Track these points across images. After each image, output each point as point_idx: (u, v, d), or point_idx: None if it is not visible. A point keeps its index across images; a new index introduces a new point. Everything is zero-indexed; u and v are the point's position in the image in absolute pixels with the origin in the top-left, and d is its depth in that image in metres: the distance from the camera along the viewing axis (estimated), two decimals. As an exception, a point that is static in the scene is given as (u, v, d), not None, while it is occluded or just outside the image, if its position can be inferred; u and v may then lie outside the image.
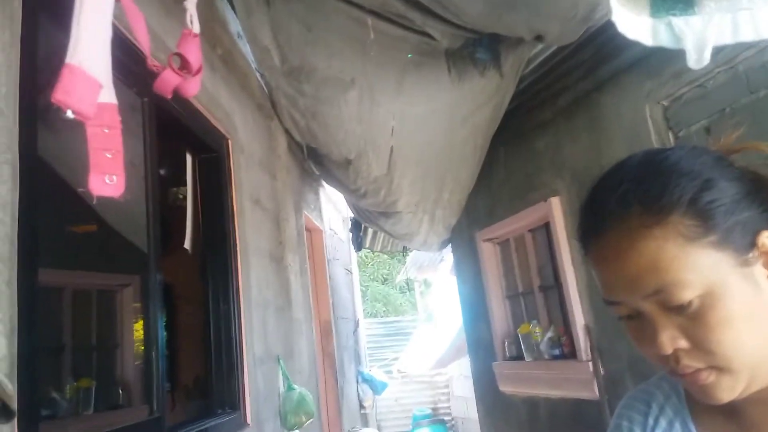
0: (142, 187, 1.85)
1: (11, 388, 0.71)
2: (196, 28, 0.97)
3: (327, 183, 4.89)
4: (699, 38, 0.59)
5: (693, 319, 0.55)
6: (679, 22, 0.60)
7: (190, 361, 2.85)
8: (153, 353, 1.75)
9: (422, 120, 3.48)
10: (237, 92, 2.89)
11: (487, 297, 4.29)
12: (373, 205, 4.42)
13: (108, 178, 0.74)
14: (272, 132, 3.49)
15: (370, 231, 6.14)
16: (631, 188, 0.58)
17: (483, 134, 3.76)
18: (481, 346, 4.51)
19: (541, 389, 3.66)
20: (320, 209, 5.23)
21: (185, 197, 2.86)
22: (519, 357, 3.90)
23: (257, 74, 3.15)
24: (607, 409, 3.03)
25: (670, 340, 0.56)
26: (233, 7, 2.78)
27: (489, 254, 4.34)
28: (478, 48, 2.87)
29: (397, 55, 3.05)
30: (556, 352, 3.50)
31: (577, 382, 3.23)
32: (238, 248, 2.55)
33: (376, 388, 6.59)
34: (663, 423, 0.69)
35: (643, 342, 0.59)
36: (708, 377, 0.56)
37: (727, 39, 0.62)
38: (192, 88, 0.97)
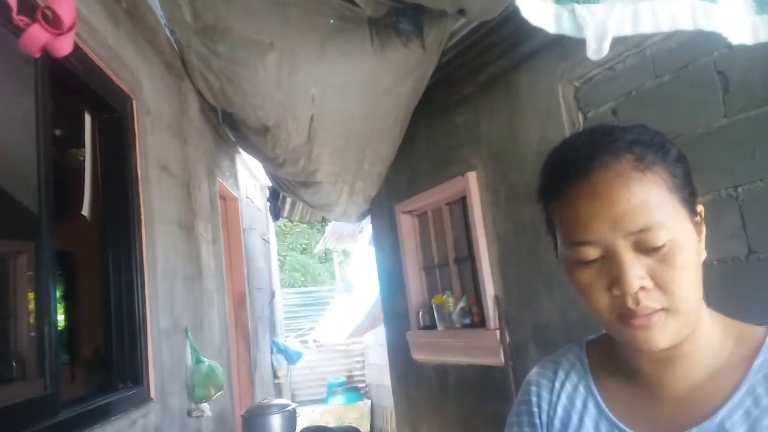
0: (33, 147, 1.69)
1: None
2: None
3: (243, 150, 4.72)
4: (600, 28, 0.59)
5: (661, 261, 0.60)
6: (581, 10, 0.60)
7: (91, 333, 2.68)
8: (46, 324, 1.63)
9: (344, 89, 3.41)
10: (144, 49, 2.69)
11: (404, 268, 4.35)
12: (292, 175, 4.32)
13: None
14: (183, 93, 3.29)
15: (288, 200, 6.02)
16: (625, 139, 0.65)
17: (405, 107, 3.74)
18: (396, 316, 4.58)
19: (451, 357, 3.79)
20: (236, 176, 5.05)
21: (75, 155, 2.66)
22: (432, 326, 4.00)
23: (167, 30, 2.93)
24: (512, 374, 3.19)
25: (638, 278, 0.60)
26: (140, -46, 2.56)
27: (407, 226, 4.39)
28: (401, 18, 2.83)
29: (319, 20, 2.95)
30: (467, 321, 3.62)
31: (485, 350, 3.37)
32: (142, 216, 2.40)
33: (291, 357, 6.58)
34: (568, 387, 0.76)
35: (598, 286, 0.63)
36: (659, 319, 0.61)
37: (627, 30, 0.64)
38: (64, 46, 0.87)
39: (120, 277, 2.29)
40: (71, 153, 2.90)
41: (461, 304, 3.70)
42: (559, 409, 0.76)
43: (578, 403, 0.75)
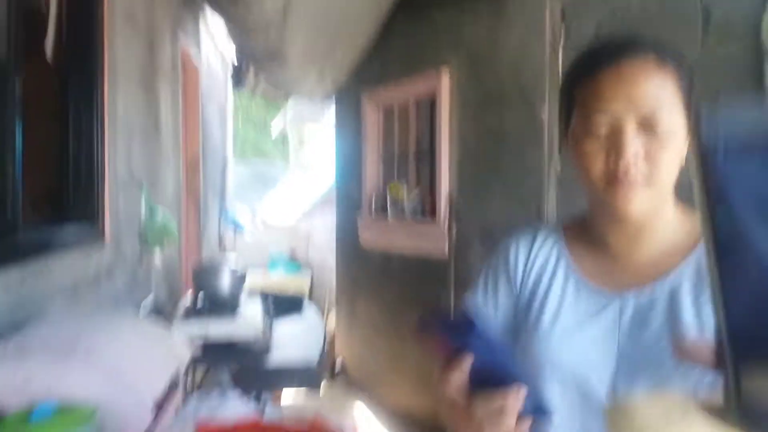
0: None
1: None
2: None
3: (212, 8, 4.46)
4: None
5: (655, 141, 0.73)
6: None
7: (42, 174, 2.67)
8: (9, 153, 1.63)
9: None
10: None
11: (363, 156, 4.41)
12: (262, 46, 4.16)
13: None
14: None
15: (252, 71, 5.82)
16: (651, 41, 0.78)
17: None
18: (349, 201, 4.71)
19: (398, 246, 3.99)
20: (198, 41, 4.82)
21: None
22: (384, 214, 4.15)
23: None
24: (453, 267, 3.42)
25: (637, 148, 0.73)
26: None
27: (372, 116, 4.39)
28: None
29: None
30: (419, 212, 3.78)
31: (432, 241, 3.57)
32: (105, 65, 2.32)
33: (238, 226, 6.71)
34: (544, 251, 0.88)
35: (599, 155, 0.76)
36: (640, 187, 0.73)
37: None
38: None
39: (80, 122, 2.26)
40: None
41: (414, 195, 3.84)
42: (533, 272, 0.88)
43: (550, 267, 0.87)
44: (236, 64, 5.91)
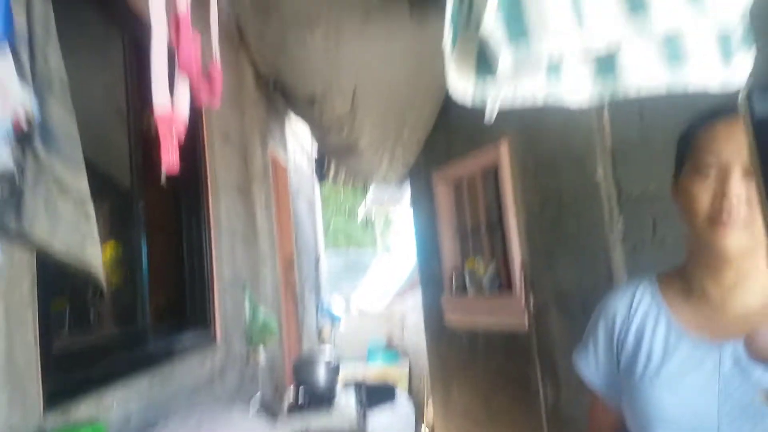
0: (124, 130, 1.99)
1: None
2: (217, 54, 1.18)
3: (295, 114, 5.00)
4: (492, 102, 0.80)
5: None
6: (486, 86, 0.81)
7: (163, 285, 3.06)
8: (138, 273, 1.96)
9: (385, 60, 3.63)
10: (206, 26, 2.97)
11: (439, 233, 4.60)
12: (337, 142, 4.60)
13: (173, 161, 0.98)
14: (240, 65, 3.58)
15: (333, 164, 6.32)
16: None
17: (443, 76, 3.92)
18: (432, 280, 4.84)
19: (480, 321, 4.04)
20: (285, 143, 5.36)
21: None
22: (463, 289, 4.25)
23: (225, 8, 3.21)
24: (535, 338, 3.41)
25: (741, 191, 0.79)
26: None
27: (443, 192, 4.61)
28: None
29: (361, -4, 3.16)
30: (496, 285, 3.85)
31: (511, 312, 3.59)
32: (209, 181, 2.72)
33: (335, 318, 6.97)
34: (643, 307, 0.94)
35: (705, 195, 0.82)
36: (738, 228, 0.79)
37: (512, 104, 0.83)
38: (217, 96, 1.19)
39: (191, 234, 2.63)
40: (146, 119, 3.25)
41: (490, 269, 3.94)
42: (633, 326, 0.93)
43: (651, 320, 0.92)
44: (318, 159, 6.46)
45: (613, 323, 0.96)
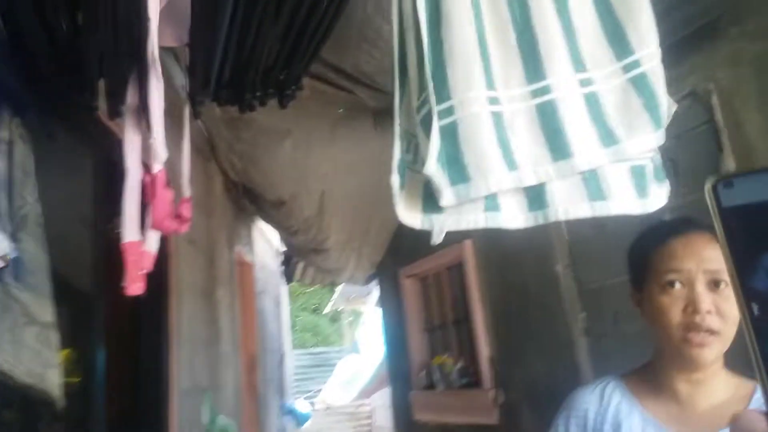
0: (89, 237, 2.02)
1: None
2: (187, 193, 1.26)
3: (261, 219, 5.09)
4: (439, 227, 0.90)
5: (724, 296, 0.86)
6: (434, 218, 0.91)
7: (119, 392, 2.95)
8: (94, 382, 1.91)
9: (352, 166, 3.79)
10: (173, 136, 3.08)
11: (407, 330, 4.59)
12: (304, 243, 4.66)
13: (136, 285, 1.01)
14: (209, 173, 3.68)
15: (300, 264, 6.33)
16: (704, 222, 0.92)
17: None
18: (400, 377, 4.78)
19: (450, 416, 3.97)
20: (252, 243, 5.39)
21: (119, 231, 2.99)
22: (432, 386, 4.20)
23: (198, 122, 3.35)
24: (505, 434, 3.36)
25: (709, 304, 0.86)
26: (178, 60, 3.00)
27: (410, 289, 4.66)
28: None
29: (330, 109, 3.35)
30: (464, 381, 3.83)
31: (481, 409, 3.56)
32: (172, 287, 2.71)
33: (299, 420, 6.70)
34: (613, 403, 0.97)
35: (676, 308, 0.88)
36: (712, 339, 0.85)
37: (455, 228, 0.93)
38: (184, 228, 1.26)
39: (150, 340, 2.58)
40: (111, 227, 3.26)
41: (459, 365, 3.92)
42: (607, 424, 0.96)
43: (623, 416, 0.95)
44: (285, 259, 6.47)
45: (586, 419, 0.98)
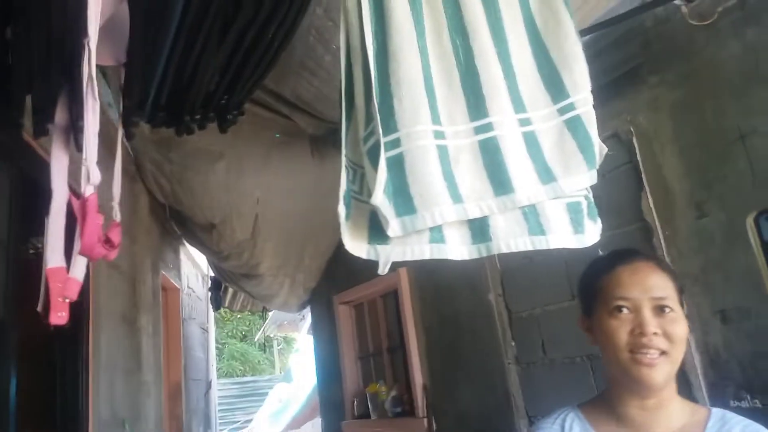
0: (3, 258, 1.89)
1: None
2: (117, 217, 1.19)
3: (189, 243, 4.91)
4: (386, 257, 0.92)
5: (667, 321, 0.91)
6: (378, 248, 0.92)
7: (31, 426, 2.73)
8: (3, 410, 1.76)
9: (287, 192, 3.74)
10: (103, 157, 2.95)
11: (340, 357, 4.54)
12: (236, 267, 4.53)
13: (60, 314, 0.94)
14: (135, 194, 3.53)
15: (230, 290, 6.15)
16: (649, 252, 1.05)
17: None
18: (332, 406, 4.70)
19: (384, 446, 3.93)
20: (179, 268, 5.19)
21: (36, 251, 2.81)
22: (366, 415, 4.15)
23: (124, 140, 3.22)
24: (439, 464, 3.37)
25: (655, 327, 0.91)
26: (106, 79, 2.88)
27: (344, 316, 4.62)
28: (338, 135, 3.24)
29: (265, 133, 3.31)
30: (398, 409, 3.81)
31: (415, 439, 3.55)
32: (90, 312, 2.56)
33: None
34: (575, 431, 1.00)
35: (623, 331, 0.93)
36: (660, 359, 0.90)
37: (403, 258, 0.95)
38: (113, 255, 1.18)
39: (66, 368, 2.41)
40: (25, 246, 3.04)
41: (393, 393, 3.91)
42: None
43: None
44: (213, 285, 6.26)
45: None
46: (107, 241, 1.10)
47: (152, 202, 3.82)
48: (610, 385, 1.01)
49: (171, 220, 4.20)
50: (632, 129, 2.26)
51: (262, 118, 3.19)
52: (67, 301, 1.06)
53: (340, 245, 3.94)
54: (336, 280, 4.65)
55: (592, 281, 1.02)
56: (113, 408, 2.81)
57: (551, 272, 2.56)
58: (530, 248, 0.88)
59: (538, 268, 2.66)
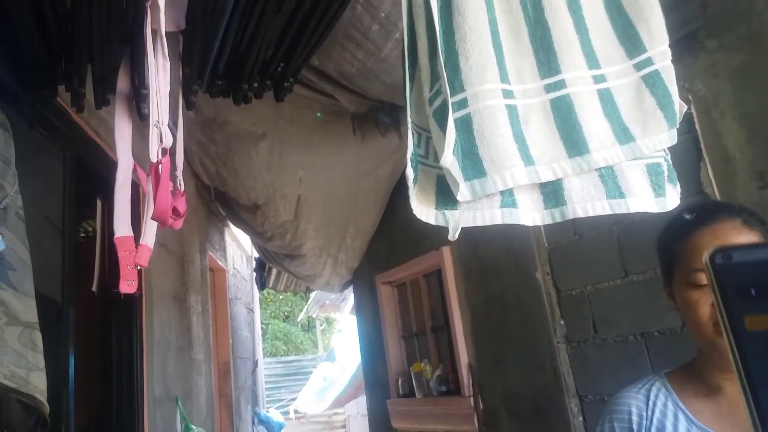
0: (58, 240, 1.94)
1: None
2: (182, 186, 1.18)
3: (234, 224, 4.98)
4: (455, 223, 0.87)
5: None
6: (447, 213, 0.87)
7: (89, 401, 2.83)
8: (63, 388, 1.82)
9: (328, 171, 3.74)
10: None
11: (384, 337, 4.54)
12: (279, 248, 4.57)
13: (129, 282, 0.94)
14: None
15: (274, 271, 6.22)
16: (736, 207, 0.91)
17: (384, 186, 4.08)
18: (377, 385, 4.72)
19: (429, 424, 3.93)
20: (225, 249, 5.28)
21: (87, 234, 2.88)
22: (411, 394, 4.16)
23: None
24: (486, 441, 3.35)
25: None
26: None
27: (387, 296, 4.62)
28: (380, 113, 3.20)
29: (307, 113, 3.30)
30: (444, 388, 3.79)
31: (461, 417, 3.53)
32: (144, 291, 2.62)
33: (273, 429, 6.57)
34: (659, 405, 0.94)
35: (705, 302, 0.85)
36: None
37: (471, 224, 0.90)
38: (179, 224, 1.17)
39: (121, 348, 2.48)
40: (82, 228, 3.13)
41: (438, 372, 3.89)
42: (653, 426, 0.93)
43: (669, 417, 0.92)
44: (258, 266, 6.35)
45: (630, 422, 0.94)
46: (174, 211, 1.09)
47: (198, 184, 3.87)
48: (698, 355, 0.93)
49: (216, 201, 4.26)
50: (690, 97, 2.14)
51: (304, 98, 3.17)
52: (137, 269, 1.06)
53: (382, 224, 3.93)
54: (378, 259, 4.64)
55: (669, 246, 0.94)
56: (166, 386, 2.88)
57: (603, 248, 2.48)
58: (608, 212, 0.82)
59: (589, 245, 2.58)
